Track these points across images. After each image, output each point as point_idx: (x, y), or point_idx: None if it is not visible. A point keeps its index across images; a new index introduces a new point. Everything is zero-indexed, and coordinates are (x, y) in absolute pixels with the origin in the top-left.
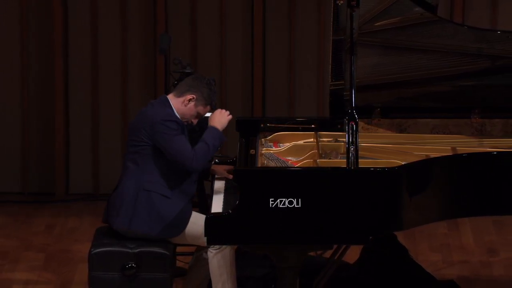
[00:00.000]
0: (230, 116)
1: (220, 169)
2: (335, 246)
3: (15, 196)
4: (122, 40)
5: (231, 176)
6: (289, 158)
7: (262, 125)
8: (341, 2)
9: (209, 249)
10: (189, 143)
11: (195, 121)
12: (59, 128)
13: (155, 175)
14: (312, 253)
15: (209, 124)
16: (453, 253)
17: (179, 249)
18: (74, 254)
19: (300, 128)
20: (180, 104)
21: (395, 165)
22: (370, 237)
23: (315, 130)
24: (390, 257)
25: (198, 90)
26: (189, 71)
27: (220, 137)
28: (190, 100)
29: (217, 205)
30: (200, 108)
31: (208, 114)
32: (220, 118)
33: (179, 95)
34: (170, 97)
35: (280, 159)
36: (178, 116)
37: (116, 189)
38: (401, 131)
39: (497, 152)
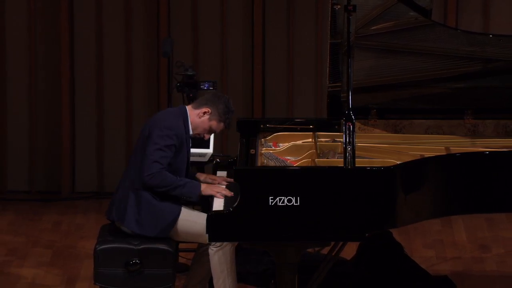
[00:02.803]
0: (219, 193)
1: (201, 178)
2: (332, 243)
3: (22, 194)
4: (126, 44)
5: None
6: (288, 157)
7: (262, 126)
8: (339, 6)
9: (210, 246)
10: (177, 161)
11: (207, 136)
12: (65, 129)
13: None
14: (310, 250)
15: (202, 182)
16: (447, 250)
17: (181, 246)
18: (80, 251)
19: (298, 128)
20: (196, 116)
21: (391, 165)
22: (366, 234)
23: (313, 130)
24: (386, 253)
25: (214, 105)
26: (191, 73)
27: (191, 192)
28: (205, 113)
29: (218, 203)
30: (214, 123)
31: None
32: (212, 188)
33: (196, 107)
34: (188, 108)
35: (279, 159)
36: (191, 129)
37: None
38: (396, 132)
39: (489, 152)
